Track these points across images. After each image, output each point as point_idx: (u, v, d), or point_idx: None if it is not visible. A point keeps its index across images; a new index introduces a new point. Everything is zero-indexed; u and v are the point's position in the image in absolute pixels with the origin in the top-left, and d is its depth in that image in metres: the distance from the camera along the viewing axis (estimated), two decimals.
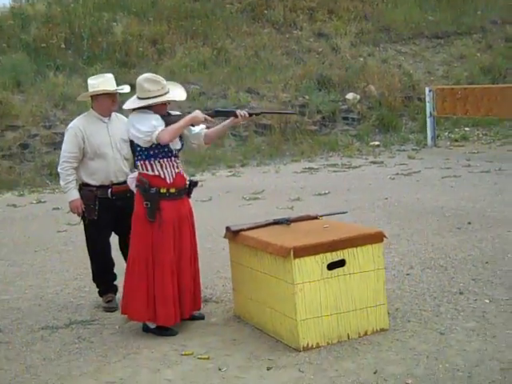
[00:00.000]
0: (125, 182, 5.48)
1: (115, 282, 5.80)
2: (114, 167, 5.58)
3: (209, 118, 5.05)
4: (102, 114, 5.62)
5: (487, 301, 5.14)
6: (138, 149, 4.95)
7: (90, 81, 5.62)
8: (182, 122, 4.90)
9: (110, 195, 5.56)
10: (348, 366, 4.24)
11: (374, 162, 12.15)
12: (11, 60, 14.22)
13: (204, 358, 4.52)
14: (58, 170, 5.64)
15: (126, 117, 5.38)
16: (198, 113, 5.00)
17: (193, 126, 5.07)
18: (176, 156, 5.03)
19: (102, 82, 5.56)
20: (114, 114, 5.69)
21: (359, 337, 4.63)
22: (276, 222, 5.19)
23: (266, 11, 17.58)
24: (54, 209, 9.72)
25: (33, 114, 12.89)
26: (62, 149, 5.63)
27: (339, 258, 4.57)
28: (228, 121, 5.19)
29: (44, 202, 10.48)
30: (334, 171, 11.63)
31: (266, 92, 14.79)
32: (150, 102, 4.88)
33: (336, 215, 5.74)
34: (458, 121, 14.74)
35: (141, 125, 4.84)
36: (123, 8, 16.69)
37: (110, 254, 5.77)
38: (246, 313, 5.14)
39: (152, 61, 15.32)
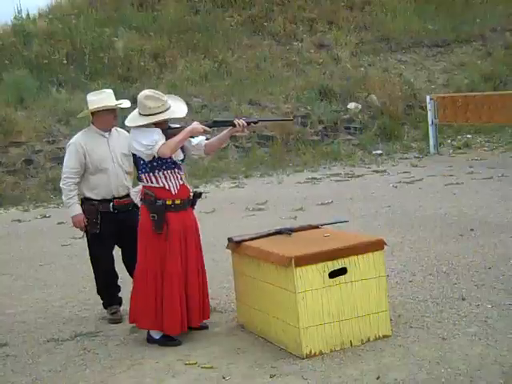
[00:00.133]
0: (126, 196, 5.54)
1: (119, 294, 5.85)
2: (116, 181, 5.63)
3: (207, 128, 5.10)
4: (103, 129, 5.67)
5: (489, 306, 5.16)
6: (141, 162, 5.01)
7: (90, 97, 5.67)
8: (181, 135, 4.96)
9: (111, 209, 5.61)
10: (351, 373, 4.26)
11: (377, 171, 12.15)
12: (14, 76, 14.32)
13: (208, 367, 4.55)
14: (60, 185, 5.70)
15: (127, 131, 5.44)
16: (196, 124, 5.07)
17: (192, 137, 5.13)
18: (179, 168, 5.08)
19: (103, 98, 5.62)
20: (114, 128, 5.75)
21: (362, 343, 4.65)
22: (278, 232, 5.24)
23: (266, 23, 17.66)
24: (58, 223, 9.76)
25: (36, 130, 12.95)
26: (64, 164, 5.69)
27: (340, 266, 4.61)
28: (226, 130, 5.24)
29: (49, 216, 10.53)
30: (337, 181, 11.64)
31: (267, 103, 14.84)
32: (151, 119, 4.95)
33: (339, 224, 5.79)
34: (460, 128, 14.75)
35: (142, 139, 4.90)
36: (124, 23, 16.79)
37: (114, 267, 5.81)
38: (249, 322, 5.18)
39: (154, 75, 15.43)
